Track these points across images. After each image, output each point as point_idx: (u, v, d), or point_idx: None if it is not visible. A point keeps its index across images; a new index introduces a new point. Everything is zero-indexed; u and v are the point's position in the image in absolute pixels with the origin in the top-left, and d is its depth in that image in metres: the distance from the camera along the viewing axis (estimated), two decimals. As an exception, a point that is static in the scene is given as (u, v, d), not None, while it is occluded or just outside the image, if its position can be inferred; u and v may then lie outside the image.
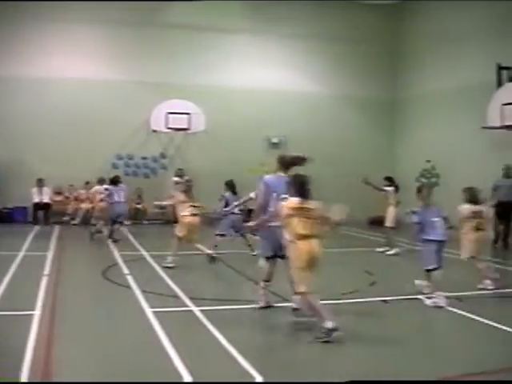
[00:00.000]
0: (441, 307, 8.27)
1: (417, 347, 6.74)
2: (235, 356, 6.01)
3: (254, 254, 12.02)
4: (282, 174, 7.73)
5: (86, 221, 18.32)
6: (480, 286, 9.67)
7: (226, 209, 12.97)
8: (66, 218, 19.42)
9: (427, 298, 8.65)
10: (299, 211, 6.74)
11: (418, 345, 6.85)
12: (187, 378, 5.39)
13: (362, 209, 20.72)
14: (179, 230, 11.57)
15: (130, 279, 9.95)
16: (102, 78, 20.04)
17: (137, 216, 19.91)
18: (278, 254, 7.69)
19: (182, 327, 7.31)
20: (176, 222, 12.24)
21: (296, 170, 7.72)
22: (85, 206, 19.15)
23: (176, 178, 17.74)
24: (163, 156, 20.86)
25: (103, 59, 20.25)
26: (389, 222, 14.03)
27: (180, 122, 19.70)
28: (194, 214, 11.51)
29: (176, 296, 8.82)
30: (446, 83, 19.64)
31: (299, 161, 7.93)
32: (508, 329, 7.27)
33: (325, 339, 6.51)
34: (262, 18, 21.24)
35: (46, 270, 10.64)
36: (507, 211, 15.81)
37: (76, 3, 19.33)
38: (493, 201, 15.95)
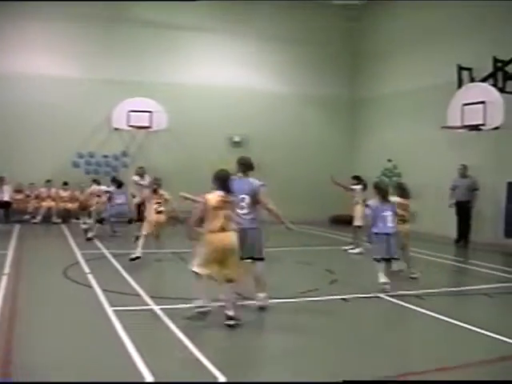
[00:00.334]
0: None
1: (377, 345, 6.82)
2: (197, 355, 6.01)
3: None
4: (242, 175, 8.07)
5: (47, 219, 18.26)
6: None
7: None
8: (26, 217, 19.15)
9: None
10: (223, 204, 7.24)
11: (378, 342, 6.93)
12: (149, 377, 5.37)
13: (323, 207, 20.95)
14: (145, 228, 11.70)
15: (91, 278, 9.88)
16: (62, 76, 19.72)
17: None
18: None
19: (143, 326, 7.26)
20: (140, 220, 12.28)
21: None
22: (46, 204, 19.10)
23: (136, 177, 17.03)
24: (125, 154, 20.66)
25: (65, 56, 19.92)
26: (357, 221, 14.14)
27: (142, 119, 19.56)
28: (159, 212, 11.81)
29: (137, 294, 8.78)
30: (407, 83, 19.86)
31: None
32: (467, 325, 7.42)
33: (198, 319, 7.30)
34: (226, 18, 21.17)
35: (6, 269, 10.48)
36: (465, 210, 16.12)
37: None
38: (451, 200, 16.32)
